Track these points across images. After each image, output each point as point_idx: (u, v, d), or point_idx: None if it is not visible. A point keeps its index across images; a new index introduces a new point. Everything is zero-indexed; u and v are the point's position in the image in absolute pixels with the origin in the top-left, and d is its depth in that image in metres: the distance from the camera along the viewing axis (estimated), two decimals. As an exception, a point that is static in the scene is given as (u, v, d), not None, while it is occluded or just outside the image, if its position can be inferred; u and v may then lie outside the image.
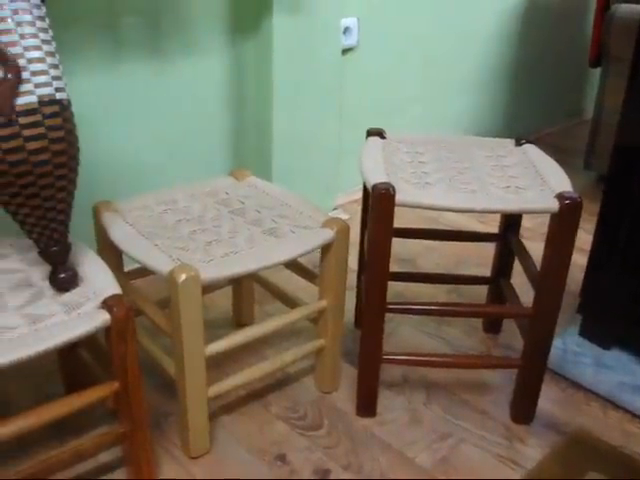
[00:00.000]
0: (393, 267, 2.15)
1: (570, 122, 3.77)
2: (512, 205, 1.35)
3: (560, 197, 1.33)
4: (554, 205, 1.33)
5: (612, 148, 1.65)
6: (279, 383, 1.67)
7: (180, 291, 1.23)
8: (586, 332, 1.81)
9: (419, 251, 2.30)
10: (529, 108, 3.53)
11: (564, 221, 1.34)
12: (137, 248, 1.34)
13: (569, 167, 3.01)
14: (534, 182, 1.44)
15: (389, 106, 2.68)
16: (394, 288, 2.00)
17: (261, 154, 2.21)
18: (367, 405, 1.56)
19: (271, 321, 1.45)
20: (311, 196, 2.22)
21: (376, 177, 1.36)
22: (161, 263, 1.28)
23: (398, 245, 2.24)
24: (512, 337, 1.83)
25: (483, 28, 3.03)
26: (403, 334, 1.87)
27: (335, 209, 2.48)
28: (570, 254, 1.38)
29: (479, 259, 2.23)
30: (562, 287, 1.41)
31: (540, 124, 3.62)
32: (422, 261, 2.25)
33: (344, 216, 2.39)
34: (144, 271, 1.54)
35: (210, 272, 1.26)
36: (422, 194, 1.35)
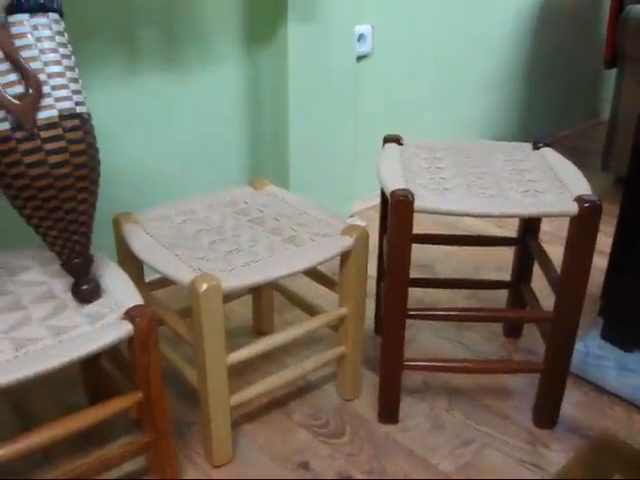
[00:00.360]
0: (412, 273, 2.15)
1: (587, 124, 3.76)
2: (531, 209, 1.35)
3: (579, 200, 1.33)
4: (573, 208, 1.32)
5: (631, 149, 1.64)
6: (301, 391, 1.68)
7: (202, 300, 1.24)
8: (608, 335, 1.80)
9: (437, 257, 2.29)
10: (545, 110, 3.52)
11: (584, 224, 1.33)
12: (157, 258, 1.35)
13: (586, 169, 3.00)
14: (553, 185, 1.43)
15: (404, 112, 2.68)
16: (413, 294, 1.98)
17: (278, 162, 2.22)
18: (389, 412, 1.56)
19: (292, 329, 1.46)
20: (328, 203, 2.22)
21: (394, 183, 1.36)
22: (182, 273, 1.29)
23: (416, 251, 2.24)
24: (533, 341, 1.83)
25: (497, 30, 3.03)
26: (423, 340, 1.87)
27: (352, 216, 2.48)
28: (591, 257, 1.37)
29: (498, 264, 2.23)
30: (583, 291, 1.40)
31: (556, 126, 3.61)
32: (440, 267, 2.25)
33: (361, 223, 2.39)
34: (165, 281, 1.55)
35: (231, 281, 1.27)
36: (440, 200, 1.35)
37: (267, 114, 2.19)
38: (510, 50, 3.14)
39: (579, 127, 3.73)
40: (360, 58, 2.38)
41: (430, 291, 2.04)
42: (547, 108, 3.53)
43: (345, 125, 2.32)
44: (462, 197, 1.37)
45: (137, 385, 1.22)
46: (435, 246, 2.27)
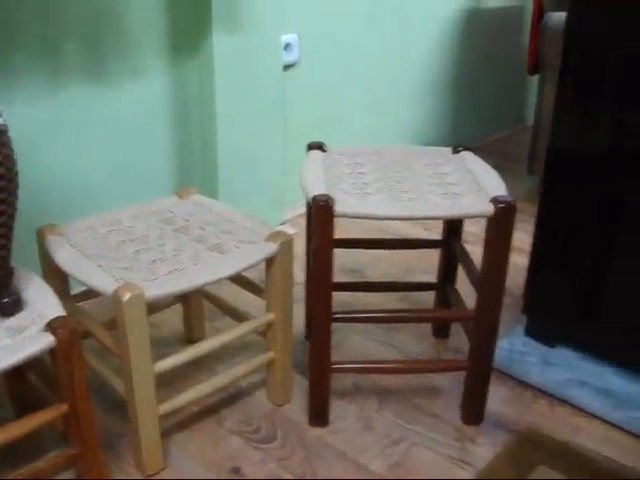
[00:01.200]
0: (343, 278, 2.20)
1: (515, 128, 3.86)
2: (449, 211, 1.39)
3: (495, 201, 1.37)
4: (489, 209, 1.37)
5: (546, 152, 1.70)
6: (232, 398, 1.68)
7: (125, 310, 1.24)
8: (531, 332, 1.86)
9: (368, 261, 2.33)
10: (474, 116, 3.60)
11: (499, 224, 1.38)
12: (81, 270, 1.35)
13: (513, 172, 3.11)
14: (471, 188, 1.48)
15: (335, 119, 2.71)
16: (344, 299, 2.02)
17: (207, 172, 2.23)
18: (319, 415, 1.58)
19: (218, 337, 1.47)
20: (259, 211, 2.25)
21: (315, 189, 1.39)
22: (105, 283, 1.29)
23: (347, 256, 2.28)
24: (461, 341, 1.86)
25: (425, 38, 3.09)
26: (353, 343, 1.89)
27: (283, 223, 2.50)
28: (507, 256, 1.41)
29: (427, 266, 2.27)
30: (502, 288, 1.45)
31: (485, 131, 3.69)
32: (371, 271, 2.29)
33: (292, 230, 2.42)
34: (91, 293, 1.54)
35: (154, 290, 1.28)
36: (361, 204, 1.37)
37: (195, 124, 2.20)
38: (438, 57, 3.21)
39: (507, 132, 3.83)
40: (287, 67, 2.41)
41: (361, 295, 2.06)
42: (476, 114, 3.61)
43: (273, 133, 2.34)
44: (382, 201, 1.40)
45: (62, 397, 1.22)
46: (366, 251, 2.30)
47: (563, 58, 1.62)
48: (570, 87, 1.61)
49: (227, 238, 1.48)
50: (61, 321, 1.17)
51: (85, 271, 1.34)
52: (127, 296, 1.23)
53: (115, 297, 1.24)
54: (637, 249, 1.62)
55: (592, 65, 1.56)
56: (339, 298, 1.99)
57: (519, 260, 1.85)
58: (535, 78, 3.08)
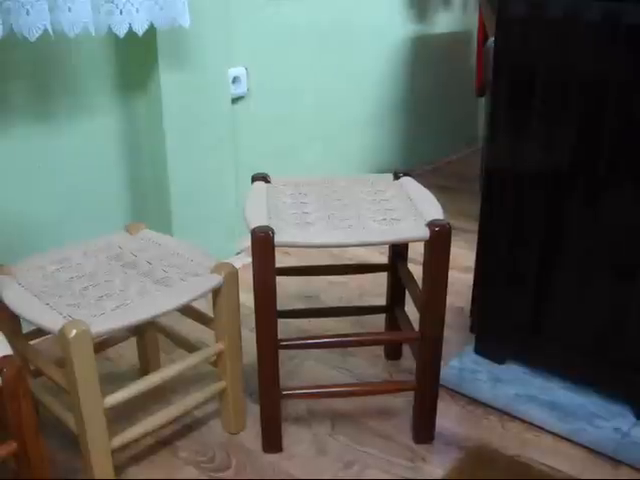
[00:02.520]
0: (297, 304, 2.23)
1: (468, 149, 3.93)
2: (386, 236, 1.43)
3: (430, 225, 1.42)
4: (425, 233, 1.41)
5: (484, 171, 1.76)
6: (187, 428, 1.70)
7: (72, 346, 1.26)
8: (480, 349, 1.90)
9: (323, 287, 2.36)
10: (427, 139, 3.68)
11: (436, 247, 1.42)
12: (29, 309, 1.37)
13: (467, 192, 3.18)
14: (408, 213, 1.52)
15: (286, 150, 2.76)
16: (299, 325, 2.06)
17: (160, 206, 2.26)
18: (273, 441, 1.61)
19: (168, 368, 1.49)
20: (214, 242, 2.28)
21: (256, 221, 1.43)
22: (52, 321, 1.31)
23: (303, 282, 2.32)
24: (412, 362, 1.89)
25: (374, 65, 3.16)
26: (308, 370, 1.92)
27: (239, 253, 2.53)
28: (446, 277, 1.46)
29: (381, 288, 2.29)
30: (442, 309, 1.49)
31: (439, 154, 3.77)
32: (325, 296, 2.32)
33: (247, 259, 2.44)
34: (43, 331, 1.56)
35: (100, 325, 1.30)
36: (299, 234, 1.41)
37: (146, 160, 2.23)
38: (388, 84, 3.28)
39: (461, 153, 3.90)
40: (236, 100, 2.45)
41: (316, 321, 2.10)
42: (429, 137, 3.68)
43: (225, 166, 2.38)
44: (321, 230, 1.44)
45: (11, 435, 1.23)
46: (321, 277, 2.34)
47: (494, 81, 1.68)
48: (502, 109, 1.67)
49: (173, 271, 1.51)
50: (7, 360, 1.18)
51: (33, 310, 1.36)
52: (73, 332, 1.26)
53: (61, 334, 1.27)
54: (575, 264, 1.67)
55: (520, 86, 1.62)
56: (295, 324, 2.04)
57: (471, 279, 1.89)
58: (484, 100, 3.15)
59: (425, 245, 1.44)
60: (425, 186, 1.71)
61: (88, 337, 1.28)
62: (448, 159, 3.82)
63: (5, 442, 1.24)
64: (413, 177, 1.77)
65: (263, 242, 1.37)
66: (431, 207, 1.54)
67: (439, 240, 1.41)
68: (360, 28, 3.00)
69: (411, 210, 1.54)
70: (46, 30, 1.64)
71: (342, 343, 1.71)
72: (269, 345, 1.47)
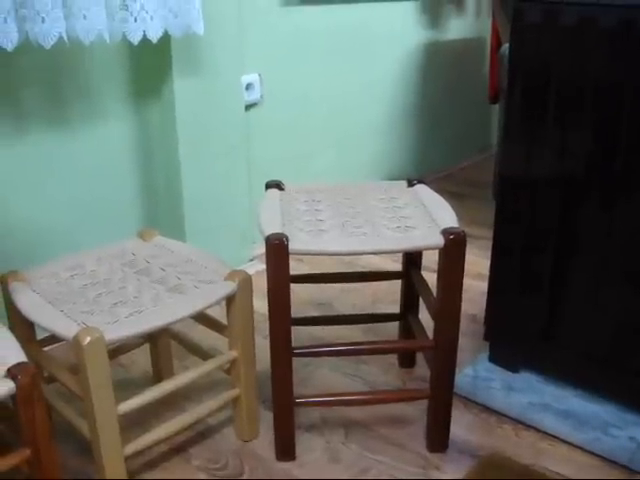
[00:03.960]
0: (311, 311, 2.22)
1: (481, 156, 3.92)
2: (400, 244, 1.43)
3: (445, 233, 1.41)
4: (440, 241, 1.41)
5: (498, 178, 1.75)
6: (201, 435, 1.70)
7: (86, 354, 1.27)
8: (494, 358, 1.89)
9: (336, 294, 2.36)
10: (440, 146, 3.67)
11: (451, 254, 1.42)
12: (43, 315, 1.37)
13: (480, 199, 3.18)
14: (423, 220, 1.52)
15: (299, 156, 2.76)
16: (312, 332, 2.06)
17: (173, 213, 2.26)
18: (286, 449, 1.60)
19: (181, 376, 1.49)
20: (227, 249, 2.28)
21: (270, 228, 1.43)
22: (66, 328, 1.31)
23: (316, 290, 2.31)
24: (426, 370, 1.88)
25: (388, 72, 3.16)
26: (321, 377, 1.92)
27: (252, 260, 2.54)
28: (460, 285, 1.45)
29: (394, 296, 2.29)
30: (457, 317, 1.48)
31: (452, 160, 3.76)
32: (338, 303, 2.32)
33: (261, 266, 2.45)
34: (57, 338, 1.57)
35: (114, 333, 1.30)
36: (314, 241, 1.41)
37: (159, 166, 2.23)
38: (401, 90, 3.27)
39: (474, 160, 3.89)
40: (249, 106, 2.46)
41: (329, 328, 2.09)
42: (442, 143, 3.68)
43: (238, 172, 2.39)
44: (336, 237, 1.43)
45: (24, 442, 1.24)
46: (334, 284, 2.34)
47: (508, 87, 1.68)
48: (516, 115, 1.67)
49: (187, 279, 1.51)
50: (21, 367, 1.19)
51: (47, 317, 1.37)
52: (87, 340, 1.26)
53: (75, 341, 1.27)
54: (589, 272, 1.66)
55: (535, 93, 1.62)
56: (308, 331, 2.03)
57: (485, 286, 1.88)
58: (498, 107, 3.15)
59: (440, 253, 1.44)
60: (437, 193, 1.71)
61: (102, 344, 1.28)
62: (460, 166, 3.81)
63: (18, 449, 1.24)
64: (425, 184, 1.77)
65: (278, 249, 1.37)
66: (445, 214, 1.53)
67: (454, 248, 1.41)
68: (373, 34, 3.00)
69: (425, 218, 1.53)
70: (61, 37, 1.65)
71: (356, 351, 1.70)
72: (283, 353, 1.47)
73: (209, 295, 1.45)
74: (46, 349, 1.59)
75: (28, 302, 1.42)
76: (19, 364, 1.20)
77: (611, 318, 1.66)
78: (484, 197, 3.17)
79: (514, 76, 1.66)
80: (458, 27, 3.58)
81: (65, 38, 1.66)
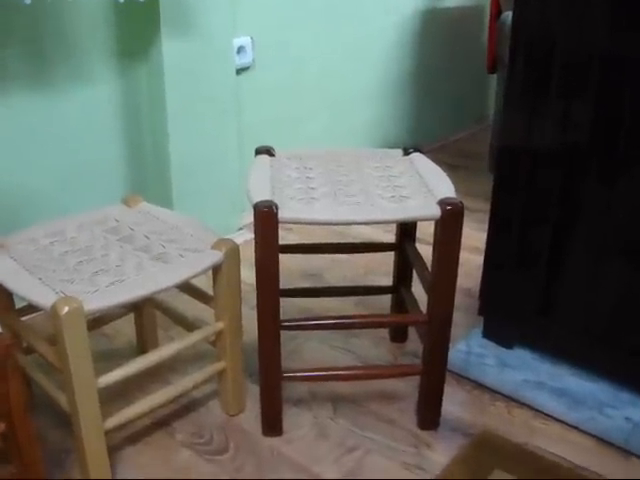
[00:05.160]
0: (301, 282, 2.17)
1: (477, 127, 3.85)
2: (395, 214, 1.37)
3: (442, 203, 1.36)
4: (436, 211, 1.35)
5: (497, 149, 1.69)
6: (185, 409, 1.65)
7: (64, 324, 1.21)
8: (488, 333, 1.84)
9: (327, 265, 2.31)
10: (435, 115, 3.60)
11: (447, 226, 1.36)
12: (20, 283, 1.31)
13: (475, 171, 3.11)
14: (418, 190, 1.46)
15: (292, 121, 2.69)
16: (302, 304, 2.00)
17: (160, 178, 2.20)
18: (272, 424, 1.55)
19: (165, 347, 1.44)
20: (215, 217, 2.22)
21: (259, 195, 1.36)
22: (44, 297, 1.25)
23: (306, 260, 2.25)
24: (418, 344, 1.83)
25: (383, 38, 3.08)
26: (310, 350, 1.87)
27: (241, 229, 2.47)
28: (457, 258, 1.40)
29: (387, 267, 2.22)
30: (452, 291, 1.43)
31: (447, 130, 3.69)
32: (330, 275, 2.26)
33: (250, 235, 2.39)
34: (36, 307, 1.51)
35: (94, 303, 1.24)
36: (305, 210, 1.35)
37: (146, 130, 2.16)
38: (397, 57, 3.20)
39: (469, 130, 3.82)
40: (241, 70, 2.38)
41: (319, 300, 2.04)
42: (437, 113, 3.61)
43: (228, 138, 2.32)
44: (327, 206, 1.37)
45: (-1, 416, 1.18)
46: (325, 255, 2.28)
47: (510, 56, 1.61)
48: (518, 84, 1.60)
49: (172, 247, 1.45)
50: (-6, 338, 1.13)
51: (23, 285, 1.31)
52: (65, 309, 1.20)
53: (53, 311, 1.21)
54: (589, 247, 1.61)
55: (539, 62, 1.55)
56: (297, 303, 1.98)
57: (482, 261, 1.83)
58: (496, 76, 3.07)
59: (436, 224, 1.38)
60: (432, 163, 1.65)
61: (81, 314, 1.22)
62: (456, 136, 3.74)
63: (-7, 422, 1.19)
64: (421, 152, 1.70)
65: (266, 217, 1.31)
66: (442, 184, 1.47)
67: (451, 219, 1.35)
68: (369, -1, 2.92)
69: (421, 188, 1.47)
70: (42, -8, 1.58)
71: (346, 325, 1.65)
72: (270, 326, 1.42)
73: (194, 264, 1.39)
74: (25, 318, 1.54)
75: (4, 269, 1.36)
76: (-8, 334, 1.15)
77: (609, 294, 1.61)
78: (479, 169, 3.11)
79: (517, 44, 1.59)
80: (456, -6, 3.50)
81: (47, -8, 1.59)
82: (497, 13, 2.95)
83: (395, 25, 3.12)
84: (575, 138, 1.55)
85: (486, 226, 1.75)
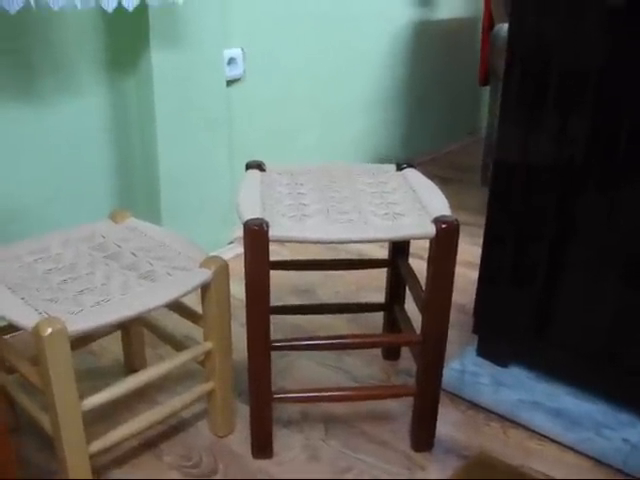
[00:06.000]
0: (293, 298, 2.14)
1: (469, 139, 3.84)
2: (389, 233, 1.33)
3: (437, 221, 1.32)
4: (431, 230, 1.32)
5: (493, 164, 1.66)
6: (173, 430, 1.61)
7: (46, 346, 1.17)
8: (483, 351, 1.81)
9: (320, 280, 2.27)
10: (427, 128, 3.58)
11: (442, 244, 1.33)
12: (1, 303, 1.27)
13: (467, 184, 3.09)
14: (413, 207, 1.42)
15: (283, 135, 2.66)
16: (293, 321, 1.97)
17: (149, 193, 2.16)
18: (263, 446, 1.51)
19: (153, 368, 1.40)
20: (205, 231, 2.19)
21: (249, 212, 1.33)
22: (26, 317, 1.21)
23: (298, 276, 2.22)
24: (411, 362, 1.79)
25: (375, 50, 3.06)
26: (301, 368, 1.83)
27: (231, 242, 2.44)
28: (452, 277, 1.36)
29: (380, 283, 2.19)
30: (447, 310, 1.40)
31: (439, 143, 3.67)
32: (322, 291, 2.23)
33: (241, 249, 2.34)
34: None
35: (78, 324, 1.20)
36: (296, 227, 1.31)
37: (135, 143, 2.12)
38: (389, 69, 3.17)
39: (462, 143, 3.81)
40: (232, 82, 2.35)
41: (311, 316, 2.00)
42: (429, 126, 3.58)
43: (218, 151, 2.28)
44: (319, 224, 1.34)
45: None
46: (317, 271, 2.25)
47: (506, 69, 1.58)
48: (514, 98, 1.58)
49: (159, 265, 1.41)
50: (-27, 361, 1.09)
51: (5, 304, 1.26)
52: (48, 331, 1.16)
53: (35, 332, 1.17)
54: (586, 264, 1.58)
55: (535, 75, 1.53)
56: (289, 319, 1.94)
57: (475, 275, 1.80)
58: (488, 89, 3.05)
59: (430, 243, 1.35)
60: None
61: (64, 336, 1.18)
62: (448, 149, 3.72)
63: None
64: (414, 167, 1.67)
65: (256, 236, 1.27)
66: (437, 201, 1.44)
67: (446, 238, 1.32)
68: (361, 10, 2.89)
69: (415, 204, 1.44)
70: (28, 2, 1.54)
71: (339, 345, 1.61)
72: (261, 347, 1.38)
73: (182, 283, 1.35)
74: (8, 336, 1.49)
75: (-14, 288, 1.32)
76: (-29, 357, 1.10)
77: (607, 313, 1.58)
78: (472, 182, 3.09)
79: (513, 57, 1.56)
80: (449, 6, 3.47)
81: (32, 2, 1.55)
82: (490, 25, 2.94)
83: (387, 36, 3.10)
84: (572, 152, 1.52)
85: (479, 240, 1.72)
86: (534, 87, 1.53)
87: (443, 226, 1.31)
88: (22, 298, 1.28)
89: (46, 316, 1.21)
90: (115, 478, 1.46)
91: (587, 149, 1.51)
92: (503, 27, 2.75)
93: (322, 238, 1.31)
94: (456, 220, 1.33)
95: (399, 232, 1.34)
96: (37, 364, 1.32)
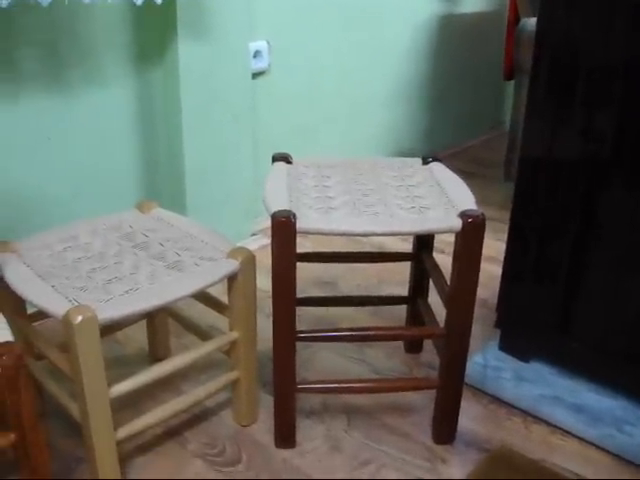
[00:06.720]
0: (315, 290, 2.14)
1: (492, 134, 3.82)
2: (414, 226, 1.34)
3: (463, 215, 1.33)
4: (457, 224, 1.32)
5: (519, 159, 1.66)
6: (197, 418, 1.63)
7: (77, 334, 1.19)
8: (505, 346, 1.81)
9: (342, 273, 2.28)
10: (450, 121, 3.57)
11: (468, 239, 1.33)
12: (32, 290, 1.29)
13: (490, 179, 3.08)
14: (439, 201, 1.43)
15: (307, 128, 2.67)
16: (316, 312, 1.98)
17: (174, 183, 2.17)
18: (286, 436, 1.53)
19: (178, 357, 1.42)
20: (229, 223, 2.20)
21: (276, 204, 1.34)
22: (56, 305, 1.23)
23: (320, 268, 2.23)
24: (434, 355, 1.80)
25: (400, 44, 3.06)
26: (323, 359, 1.84)
27: (254, 234, 2.45)
28: (477, 272, 1.37)
29: (402, 276, 2.19)
30: (472, 304, 1.40)
31: (462, 137, 3.66)
32: (344, 283, 2.24)
33: (264, 241, 2.36)
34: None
35: (108, 312, 1.22)
36: (323, 220, 1.32)
37: (161, 135, 2.14)
38: (413, 63, 3.17)
39: (484, 137, 3.79)
40: (257, 75, 2.36)
41: (334, 309, 2.01)
42: (452, 120, 3.57)
43: (243, 143, 2.29)
44: (346, 216, 1.34)
45: (9, 426, 1.16)
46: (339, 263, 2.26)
47: (534, 64, 1.58)
48: (541, 93, 1.57)
49: (186, 255, 1.43)
50: (6, 347, 1.11)
51: (36, 292, 1.28)
52: (78, 319, 1.18)
53: (66, 320, 1.19)
54: (610, 261, 1.58)
55: (563, 70, 1.52)
56: (311, 311, 1.95)
57: (497, 271, 1.80)
58: (512, 83, 3.04)
59: (456, 236, 1.35)
60: (446, 171, 1.62)
61: (94, 324, 1.20)
62: (471, 143, 3.71)
63: (3, 433, 1.16)
64: (440, 161, 1.68)
65: (284, 227, 1.28)
66: (463, 195, 1.45)
67: (472, 232, 1.32)
68: (385, 5, 2.88)
69: (442, 198, 1.44)
70: (60, -6, 1.56)
71: (363, 337, 1.62)
72: (286, 338, 1.39)
73: (209, 274, 1.36)
74: (37, 323, 1.52)
75: (18, 275, 1.34)
76: (4, 344, 1.12)
77: (630, 310, 1.58)
78: (495, 177, 3.08)
79: (541, 52, 1.56)
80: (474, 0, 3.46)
81: (64, -5, 1.57)
82: (515, 20, 2.92)
83: (411, 30, 3.10)
84: (598, 148, 1.52)
85: (502, 235, 1.73)
86: (562, 82, 1.53)
87: (469, 220, 1.32)
88: (52, 286, 1.30)
89: (76, 304, 1.23)
90: (139, 465, 1.48)
91: (614, 145, 1.50)
92: (529, 21, 2.74)
93: (348, 230, 1.32)
94: (482, 214, 1.33)
95: (425, 225, 1.35)
96: (66, 351, 1.35)
